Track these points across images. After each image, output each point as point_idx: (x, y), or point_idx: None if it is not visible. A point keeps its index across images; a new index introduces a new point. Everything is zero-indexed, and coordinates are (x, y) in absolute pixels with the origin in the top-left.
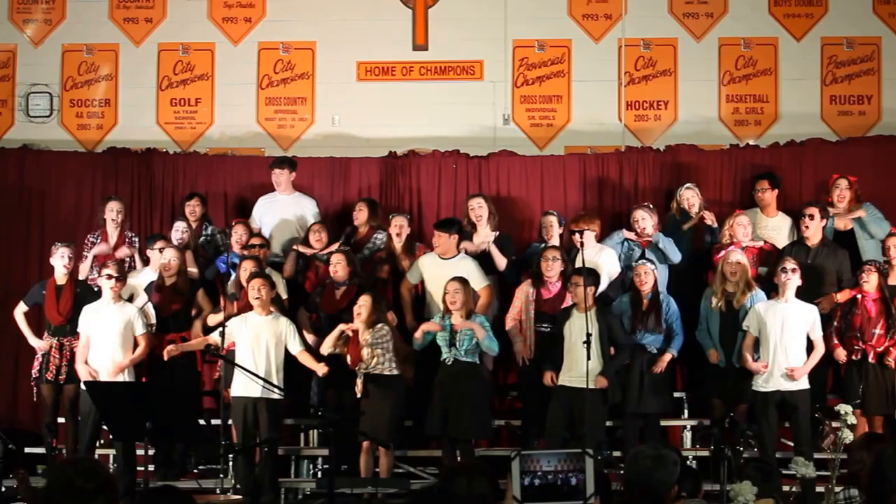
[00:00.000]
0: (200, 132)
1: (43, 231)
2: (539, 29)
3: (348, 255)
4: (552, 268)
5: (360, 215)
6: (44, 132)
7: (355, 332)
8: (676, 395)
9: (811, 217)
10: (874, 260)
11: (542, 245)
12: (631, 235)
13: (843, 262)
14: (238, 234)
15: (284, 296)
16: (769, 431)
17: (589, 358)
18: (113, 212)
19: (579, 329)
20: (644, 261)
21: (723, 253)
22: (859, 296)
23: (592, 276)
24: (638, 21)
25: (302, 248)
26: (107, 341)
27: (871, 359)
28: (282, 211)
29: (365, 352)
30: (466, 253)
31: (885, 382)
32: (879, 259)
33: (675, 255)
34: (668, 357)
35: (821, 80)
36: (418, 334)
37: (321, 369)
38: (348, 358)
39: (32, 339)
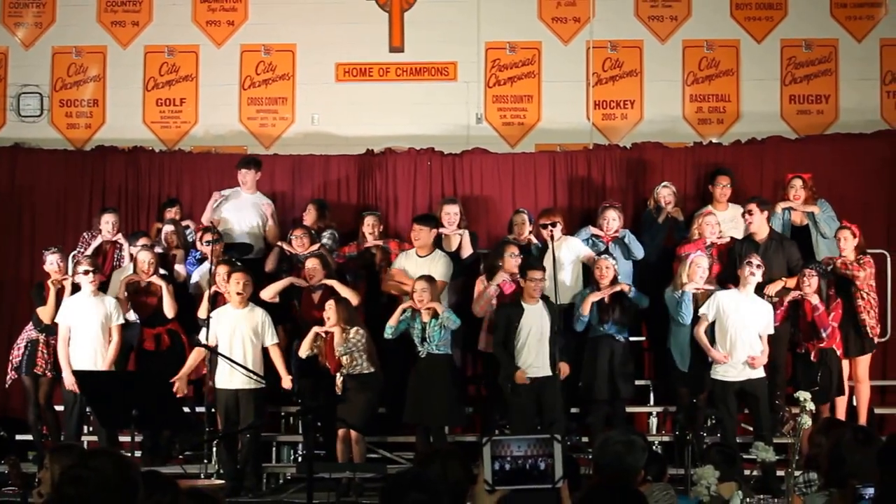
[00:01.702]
0: (185, 131)
1: (34, 227)
2: (510, 31)
3: (323, 257)
4: (517, 264)
5: (309, 217)
6: (34, 131)
7: (331, 335)
8: (643, 382)
9: (750, 213)
10: (817, 264)
11: (504, 241)
12: (597, 231)
13: (792, 253)
14: (203, 239)
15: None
16: (729, 418)
17: (553, 347)
18: (108, 224)
19: (535, 322)
20: (605, 255)
21: (690, 257)
22: (799, 293)
23: (544, 270)
24: (605, 24)
25: (286, 247)
26: (87, 333)
27: (812, 357)
28: (245, 209)
29: (344, 359)
30: (442, 248)
31: (832, 370)
32: (834, 256)
33: (639, 252)
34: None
35: (780, 81)
36: (393, 321)
37: (286, 381)
38: (328, 364)
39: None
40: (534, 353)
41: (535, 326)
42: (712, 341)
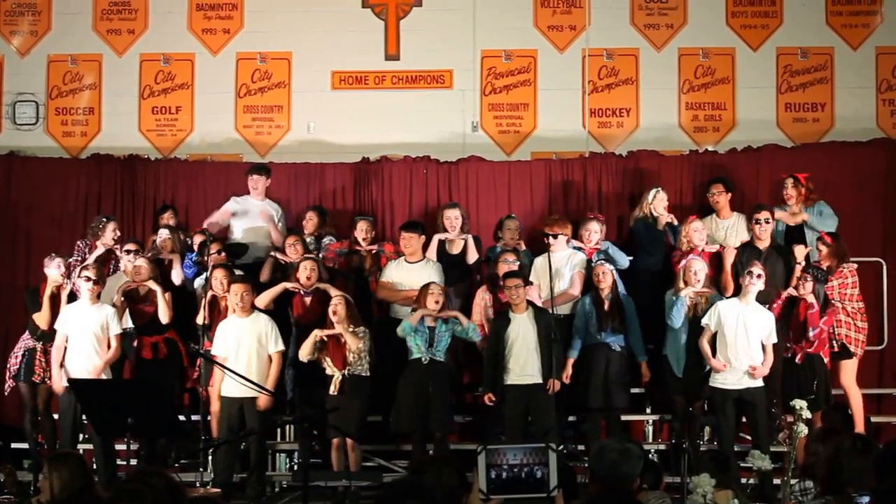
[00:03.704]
0: (181, 139)
1: (30, 234)
2: (506, 39)
3: (317, 261)
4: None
5: (310, 223)
6: (30, 139)
7: (331, 337)
8: (639, 390)
9: (766, 221)
10: (814, 269)
11: (498, 249)
12: (579, 244)
13: (791, 260)
14: (198, 243)
15: None
16: (727, 427)
17: (549, 356)
18: (114, 232)
19: (522, 330)
20: (601, 261)
21: (683, 262)
22: (794, 292)
23: (522, 277)
24: (601, 32)
25: (280, 256)
26: (84, 341)
27: (798, 360)
28: (254, 215)
29: (352, 356)
30: (446, 253)
31: (820, 377)
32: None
33: (624, 261)
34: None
35: (776, 89)
36: (413, 321)
37: (264, 400)
38: (329, 361)
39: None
40: (521, 362)
41: (521, 335)
42: (714, 350)
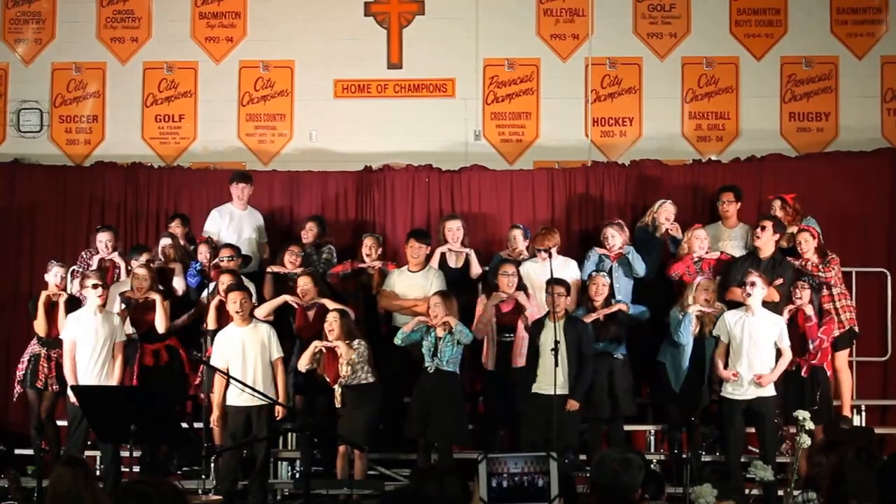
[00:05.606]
0: (184, 147)
1: (33, 242)
2: (509, 48)
3: (314, 275)
4: (511, 283)
5: (310, 234)
6: (34, 147)
7: (330, 349)
8: (640, 400)
9: (763, 229)
10: (809, 278)
11: (499, 259)
12: (603, 251)
13: (792, 273)
14: (202, 252)
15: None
16: (736, 437)
17: (557, 365)
18: (103, 242)
19: (552, 338)
20: (599, 272)
21: (697, 279)
22: (793, 307)
23: (565, 286)
24: (604, 41)
25: (277, 269)
26: (96, 349)
27: (803, 373)
28: (238, 224)
29: (344, 369)
30: (446, 265)
31: (823, 389)
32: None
33: (641, 268)
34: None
35: (780, 98)
36: (407, 327)
37: (279, 409)
38: (326, 377)
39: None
40: (543, 370)
41: (547, 343)
42: (725, 362)
